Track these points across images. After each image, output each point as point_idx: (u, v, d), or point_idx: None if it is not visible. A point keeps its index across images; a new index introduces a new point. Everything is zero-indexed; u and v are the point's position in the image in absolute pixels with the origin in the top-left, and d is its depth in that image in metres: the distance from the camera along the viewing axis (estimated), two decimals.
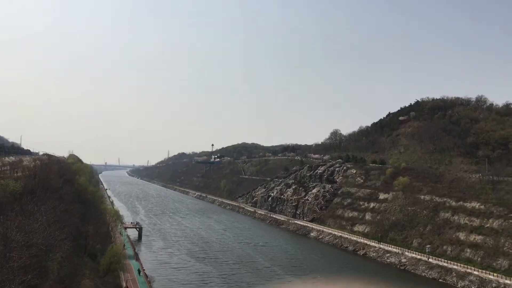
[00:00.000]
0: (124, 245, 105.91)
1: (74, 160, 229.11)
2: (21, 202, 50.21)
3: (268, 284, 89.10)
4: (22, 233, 33.61)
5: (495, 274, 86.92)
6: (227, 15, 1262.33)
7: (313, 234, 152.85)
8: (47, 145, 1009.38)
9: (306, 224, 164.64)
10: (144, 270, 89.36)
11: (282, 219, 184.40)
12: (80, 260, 59.07)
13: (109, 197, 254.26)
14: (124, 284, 72.39)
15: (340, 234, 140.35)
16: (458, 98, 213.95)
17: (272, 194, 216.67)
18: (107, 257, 67.58)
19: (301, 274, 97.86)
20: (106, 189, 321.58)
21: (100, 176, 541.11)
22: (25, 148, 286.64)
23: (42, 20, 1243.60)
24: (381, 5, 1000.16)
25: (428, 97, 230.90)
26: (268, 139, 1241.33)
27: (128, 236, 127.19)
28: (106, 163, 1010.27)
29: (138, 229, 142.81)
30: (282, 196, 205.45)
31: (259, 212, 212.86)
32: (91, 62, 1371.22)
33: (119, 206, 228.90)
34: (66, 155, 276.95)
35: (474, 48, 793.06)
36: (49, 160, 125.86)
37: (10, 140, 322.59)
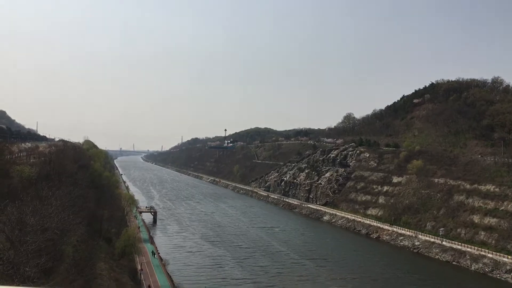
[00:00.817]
0: (139, 228, 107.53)
1: (89, 146, 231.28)
2: (36, 187, 51.14)
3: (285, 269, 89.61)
4: (37, 217, 34.31)
5: (509, 257, 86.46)
6: (245, 4, 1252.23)
7: (326, 218, 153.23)
8: (63, 132, 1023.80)
9: (319, 208, 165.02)
10: (159, 253, 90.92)
11: (295, 203, 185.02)
12: (95, 243, 60.25)
13: (124, 182, 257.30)
14: (139, 267, 73.75)
15: (353, 217, 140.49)
16: (473, 80, 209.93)
17: (285, 179, 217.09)
18: (122, 240, 68.78)
19: (315, 257, 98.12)
20: (121, 174, 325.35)
21: (115, 161, 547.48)
22: (41, 134, 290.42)
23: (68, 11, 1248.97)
24: None
25: (443, 79, 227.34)
26: (281, 123, 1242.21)
27: (143, 220, 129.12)
28: (121, 148, 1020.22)
29: (153, 213, 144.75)
30: (295, 181, 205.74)
31: (272, 196, 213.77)
32: (108, 52, 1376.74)
33: (134, 191, 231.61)
34: (81, 141, 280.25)
35: (490, 29, 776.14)
36: (65, 146, 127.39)
37: (27, 126, 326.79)
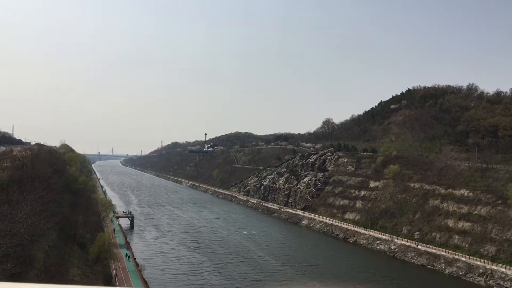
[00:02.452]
0: (114, 232, 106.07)
1: (66, 149, 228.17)
2: (7, 192, 50.10)
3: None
4: (5, 222, 33.63)
5: (482, 260, 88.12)
6: (220, 7, 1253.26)
7: (304, 222, 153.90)
8: (40, 135, 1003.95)
9: (298, 212, 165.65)
10: (134, 258, 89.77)
11: (274, 207, 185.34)
12: (68, 249, 59.17)
13: (101, 186, 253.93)
14: (113, 273, 72.74)
15: (331, 221, 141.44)
16: (449, 86, 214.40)
17: (265, 183, 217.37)
18: (96, 246, 67.73)
19: (294, 263, 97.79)
20: (99, 179, 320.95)
21: (93, 165, 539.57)
22: (17, 138, 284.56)
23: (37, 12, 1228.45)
24: None
25: (419, 85, 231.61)
26: (262, 128, 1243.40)
27: (119, 225, 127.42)
28: (99, 152, 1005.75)
29: (130, 218, 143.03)
30: (274, 185, 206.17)
31: (251, 201, 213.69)
32: (85, 52, 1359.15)
33: (112, 195, 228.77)
34: (58, 145, 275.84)
35: (466, 37, 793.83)
36: (40, 150, 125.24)
37: (2, 130, 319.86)
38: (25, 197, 45.86)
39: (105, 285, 62.07)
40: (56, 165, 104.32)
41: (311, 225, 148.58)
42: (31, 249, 38.62)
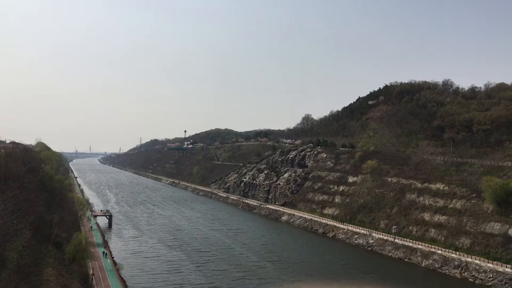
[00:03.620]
0: (91, 230, 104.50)
1: (41, 148, 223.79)
2: None
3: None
4: None
5: (457, 253, 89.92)
6: (203, 5, 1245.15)
7: (284, 218, 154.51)
8: (17, 134, 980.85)
9: (278, 209, 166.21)
10: (112, 257, 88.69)
11: (255, 204, 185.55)
12: (43, 248, 58.04)
13: (79, 185, 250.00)
14: (91, 272, 71.70)
15: (311, 217, 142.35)
16: (425, 82, 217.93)
17: (245, 180, 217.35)
18: (72, 245, 66.62)
19: (274, 259, 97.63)
20: (76, 177, 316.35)
21: (70, 164, 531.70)
22: None
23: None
24: None
25: (396, 82, 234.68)
26: (242, 125, 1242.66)
27: (97, 224, 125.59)
28: (77, 151, 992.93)
29: (108, 217, 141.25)
30: (254, 181, 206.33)
31: (231, 197, 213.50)
32: (63, 48, 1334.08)
33: (90, 194, 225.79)
34: (34, 143, 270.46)
35: (444, 32, 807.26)
36: (14, 149, 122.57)
37: None
38: None
39: (81, 284, 61.14)
40: (30, 163, 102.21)
41: (291, 220, 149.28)
42: (3, 249, 37.74)
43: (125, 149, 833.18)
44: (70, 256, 65.92)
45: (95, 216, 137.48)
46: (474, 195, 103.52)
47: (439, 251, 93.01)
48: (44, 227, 66.31)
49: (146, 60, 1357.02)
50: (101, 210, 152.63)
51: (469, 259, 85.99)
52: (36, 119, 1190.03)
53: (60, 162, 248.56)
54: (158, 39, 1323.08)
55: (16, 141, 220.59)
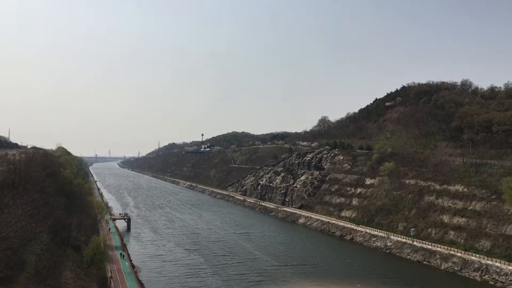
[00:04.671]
0: (108, 234, 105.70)
1: (62, 152, 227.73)
2: None
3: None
4: None
5: (477, 255, 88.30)
6: (216, 11, 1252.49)
7: (301, 220, 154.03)
8: (38, 139, 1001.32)
9: (295, 211, 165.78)
10: (131, 260, 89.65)
11: (271, 206, 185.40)
12: (62, 252, 59.03)
13: (98, 189, 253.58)
14: (109, 275, 72.64)
15: (328, 220, 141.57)
16: (443, 83, 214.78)
17: (261, 182, 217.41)
18: (90, 248, 67.55)
19: (292, 263, 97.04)
20: (96, 181, 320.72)
21: (90, 168, 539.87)
22: (14, 141, 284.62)
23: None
24: None
25: (414, 82, 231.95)
26: (258, 127, 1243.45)
27: (116, 227, 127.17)
28: (96, 155, 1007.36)
29: (126, 220, 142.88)
30: (271, 184, 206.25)
31: (248, 200, 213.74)
32: (84, 55, 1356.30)
33: (109, 198, 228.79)
34: (55, 148, 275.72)
35: (460, 34, 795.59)
36: (34, 153, 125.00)
37: None
38: (15, 201, 45.73)
39: (99, 287, 61.99)
40: (50, 168, 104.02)
41: (308, 223, 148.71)
42: (22, 253, 38.56)
43: (143, 153, 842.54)
44: (88, 259, 66.85)
45: (114, 220, 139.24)
46: (494, 196, 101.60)
47: (458, 254, 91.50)
48: (63, 230, 67.42)
49: (166, 64, 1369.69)
50: (119, 214, 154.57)
51: (489, 262, 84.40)
52: (57, 124, 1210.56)
53: (80, 166, 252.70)
54: (180, 43, 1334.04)
55: (37, 146, 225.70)
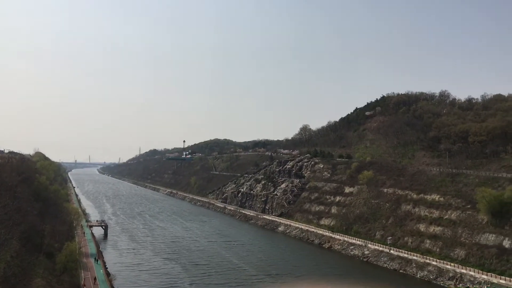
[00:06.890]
0: (84, 241, 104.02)
1: (39, 158, 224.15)
2: None
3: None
4: None
5: (452, 264, 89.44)
6: (201, 14, 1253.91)
7: (280, 228, 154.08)
8: (16, 144, 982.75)
9: (274, 219, 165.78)
10: (106, 268, 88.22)
11: (251, 214, 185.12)
12: (34, 259, 57.82)
13: (76, 195, 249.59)
14: (82, 282, 71.35)
15: (307, 228, 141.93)
16: (422, 93, 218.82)
17: (242, 190, 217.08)
18: (63, 255, 66.22)
19: (271, 271, 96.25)
20: (74, 187, 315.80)
21: (69, 174, 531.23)
22: None
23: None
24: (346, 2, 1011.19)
25: (393, 92, 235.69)
26: (240, 135, 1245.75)
27: (92, 234, 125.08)
28: (76, 160, 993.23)
29: (104, 227, 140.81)
30: (251, 192, 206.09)
31: (228, 208, 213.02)
32: (61, 58, 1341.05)
33: (87, 204, 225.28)
34: (32, 153, 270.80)
35: (439, 43, 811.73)
36: (9, 158, 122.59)
37: None
38: None
39: None
40: (25, 173, 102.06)
41: (287, 231, 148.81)
42: None
43: (124, 159, 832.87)
44: (61, 266, 65.50)
45: (91, 227, 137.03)
46: (469, 206, 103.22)
47: (434, 262, 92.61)
48: (36, 237, 66.09)
49: (145, 70, 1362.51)
50: (96, 220, 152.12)
51: (463, 271, 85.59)
52: (36, 129, 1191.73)
53: (57, 172, 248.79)
54: (158, 48, 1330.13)
55: (15, 151, 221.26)
